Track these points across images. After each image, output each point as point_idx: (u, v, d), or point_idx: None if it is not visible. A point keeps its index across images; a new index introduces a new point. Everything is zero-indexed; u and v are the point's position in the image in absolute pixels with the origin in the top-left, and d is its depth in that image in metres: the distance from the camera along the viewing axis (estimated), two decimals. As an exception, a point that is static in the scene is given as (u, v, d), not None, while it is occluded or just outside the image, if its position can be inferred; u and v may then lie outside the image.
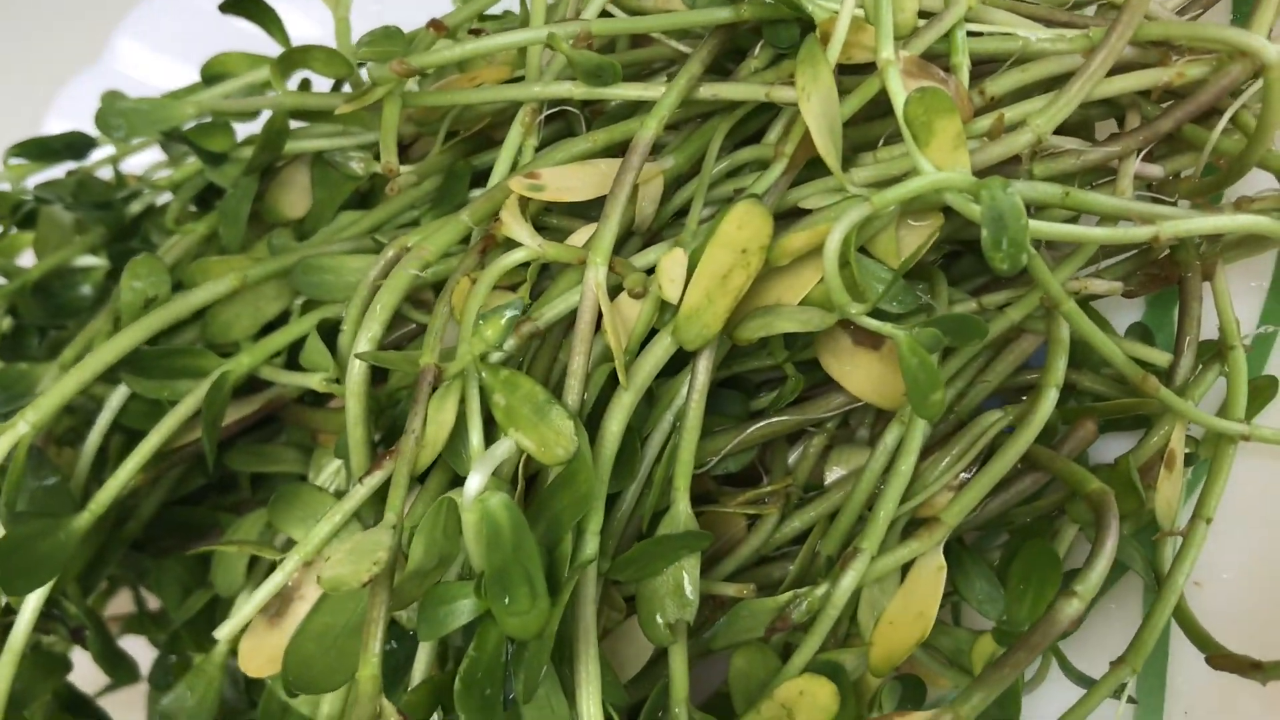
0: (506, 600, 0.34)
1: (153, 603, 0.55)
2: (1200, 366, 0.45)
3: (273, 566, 0.45)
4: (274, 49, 0.55)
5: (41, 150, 0.55)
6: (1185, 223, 0.41)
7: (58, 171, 0.57)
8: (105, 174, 0.57)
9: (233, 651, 0.46)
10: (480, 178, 0.50)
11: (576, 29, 0.42)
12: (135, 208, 0.55)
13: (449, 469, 0.40)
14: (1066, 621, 0.37)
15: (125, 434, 0.48)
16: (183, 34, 0.70)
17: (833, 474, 0.46)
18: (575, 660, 0.37)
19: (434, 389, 0.39)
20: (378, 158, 0.51)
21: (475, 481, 0.35)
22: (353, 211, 0.51)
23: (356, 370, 0.40)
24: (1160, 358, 0.45)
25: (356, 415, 0.41)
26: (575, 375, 0.39)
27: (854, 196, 0.40)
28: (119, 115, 0.52)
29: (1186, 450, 0.45)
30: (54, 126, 0.69)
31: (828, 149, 0.39)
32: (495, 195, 0.43)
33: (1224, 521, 0.45)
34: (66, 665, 0.48)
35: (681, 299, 0.38)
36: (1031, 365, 0.47)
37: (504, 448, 0.36)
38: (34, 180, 0.56)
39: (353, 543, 0.34)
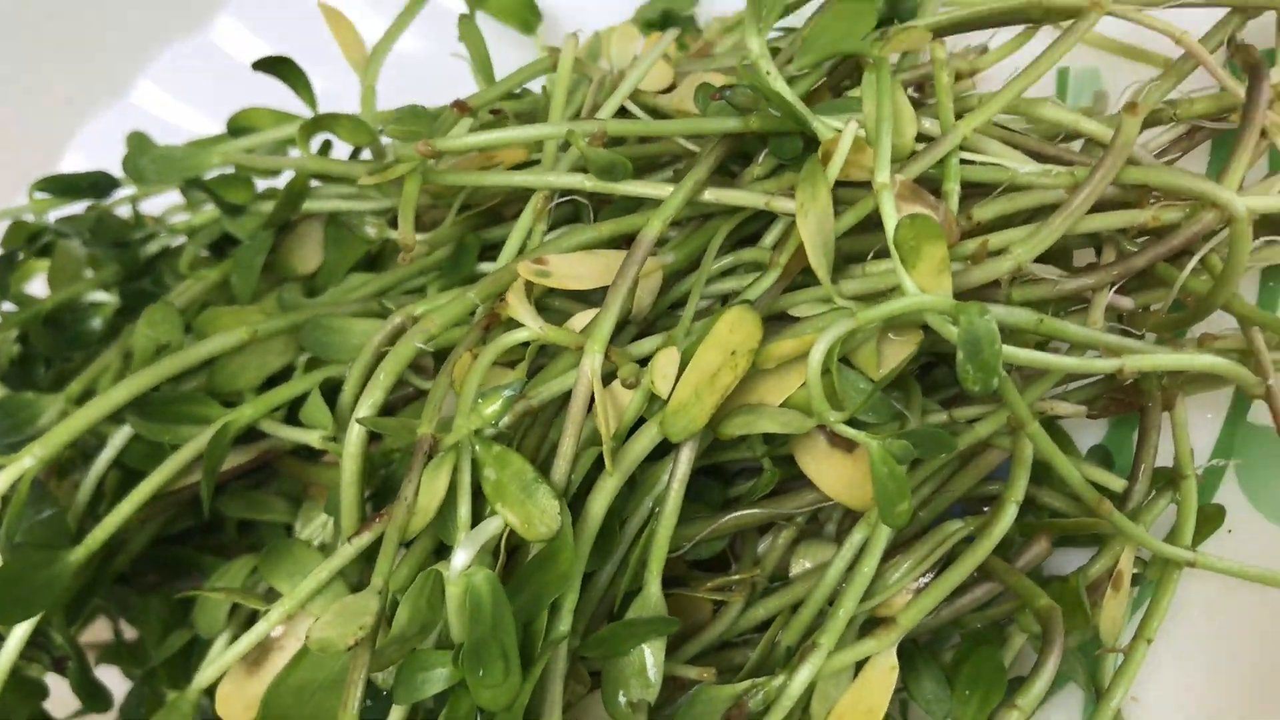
0: (481, 673, 0.36)
1: (129, 633, 0.56)
2: (1154, 493, 0.47)
3: (254, 613, 0.47)
4: (294, 100, 0.57)
5: (66, 186, 0.57)
6: (1150, 358, 0.43)
7: (78, 206, 0.59)
8: (123, 212, 0.59)
9: (206, 692, 0.48)
10: (488, 250, 0.52)
11: (594, 128, 0.45)
12: (151, 248, 0.57)
13: (433, 536, 0.42)
14: (1008, 729, 0.39)
15: (122, 471, 0.50)
16: (206, 80, 0.73)
17: (799, 567, 0.48)
18: (541, 731, 0.38)
19: (429, 458, 0.41)
20: (391, 224, 0.54)
21: (462, 557, 0.37)
22: (362, 274, 0.53)
23: (356, 434, 0.42)
24: (1116, 483, 0.47)
25: (352, 475, 0.42)
26: (564, 456, 0.41)
27: (841, 309, 0.42)
28: (145, 159, 0.54)
29: (1135, 570, 0.47)
30: (72, 161, 0.71)
31: (819, 263, 0.42)
32: (502, 276, 0.45)
33: (1166, 639, 0.47)
34: (43, 691, 0.49)
35: (671, 394, 0.41)
36: (995, 476, 0.49)
37: (492, 526, 0.38)
38: (55, 213, 0.58)
39: (340, 605, 0.35)
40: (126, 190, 0.59)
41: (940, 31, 0.49)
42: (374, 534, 0.41)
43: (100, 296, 0.56)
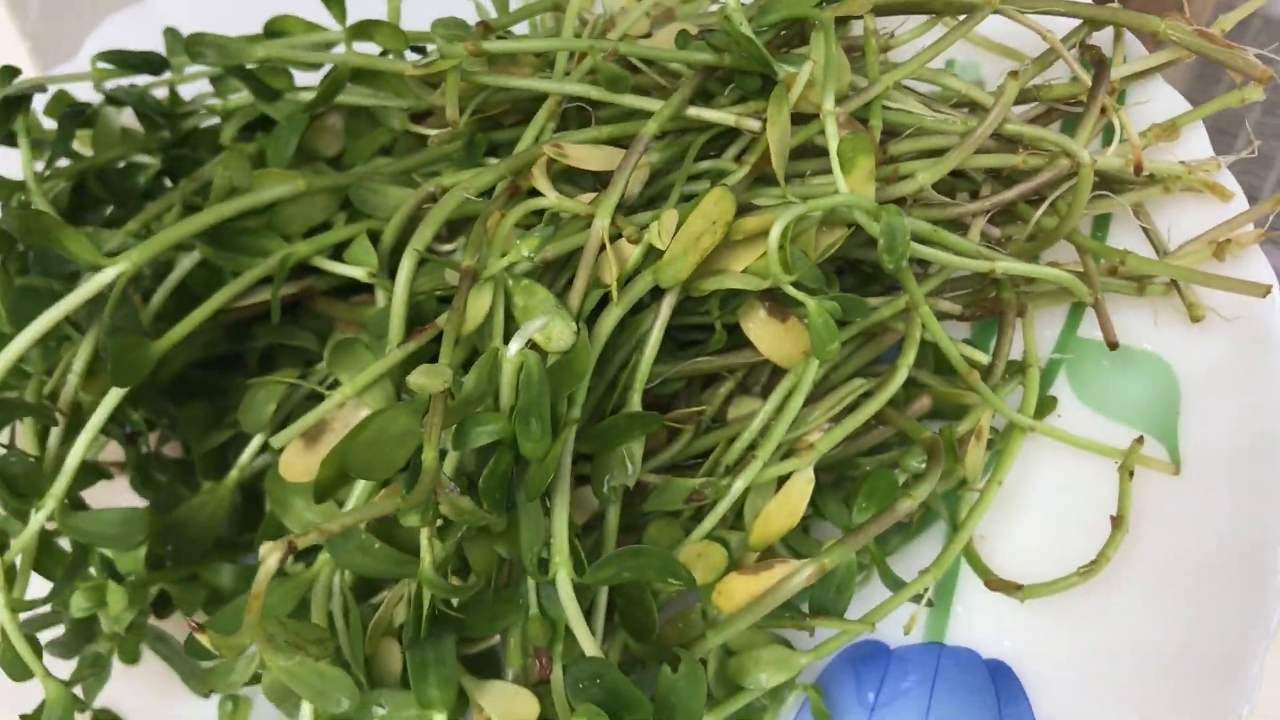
0: (527, 428, 0.47)
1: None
2: (1006, 376, 0.62)
3: (287, 416, 0.57)
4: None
5: (123, 60, 0.65)
6: (1014, 264, 0.57)
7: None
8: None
9: (240, 485, 0.58)
10: (491, 151, 0.63)
11: (608, 46, 0.57)
12: (188, 124, 0.66)
13: (469, 347, 0.52)
14: (903, 513, 0.52)
15: (177, 299, 0.58)
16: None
17: (734, 413, 0.60)
18: (554, 493, 0.50)
19: (471, 284, 0.52)
20: (413, 118, 0.64)
21: (516, 344, 0.48)
22: (384, 158, 0.63)
23: (410, 261, 0.53)
24: (982, 358, 0.61)
25: (402, 296, 0.53)
26: (578, 291, 0.52)
27: (792, 202, 0.55)
28: (203, 44, 0.63)
29: (990, 437, 0.61)
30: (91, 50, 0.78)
31: (780, 165, 0.54)
32: (525, 156, 0.56)
33: (1010, 500, 0.61)
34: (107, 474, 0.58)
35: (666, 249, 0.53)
36: (886, 360, 0.62)
37: (536, 324, 0.49)
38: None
39: (424, 367, 0.46)
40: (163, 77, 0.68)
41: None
42: (417, 342, 0.52)
43: (143, 159, 0.65)
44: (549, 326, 0.50)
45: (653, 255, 0.54)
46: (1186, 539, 0.58)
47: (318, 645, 0.40)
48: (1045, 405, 0.63)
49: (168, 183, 0.68)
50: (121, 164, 0.66)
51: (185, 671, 0.62)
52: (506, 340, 0.51)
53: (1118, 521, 0.57)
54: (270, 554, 0.36)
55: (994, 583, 0.58)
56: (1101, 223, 0.66)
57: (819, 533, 0.63)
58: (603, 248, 0.53)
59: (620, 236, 0.54)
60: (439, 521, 0.46)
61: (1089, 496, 0.61)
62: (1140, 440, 0.59)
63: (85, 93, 0.70)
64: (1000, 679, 0.58)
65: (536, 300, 0.51)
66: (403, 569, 0.48)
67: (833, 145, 0.54)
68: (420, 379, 0.45)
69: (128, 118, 0.68)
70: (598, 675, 0.47)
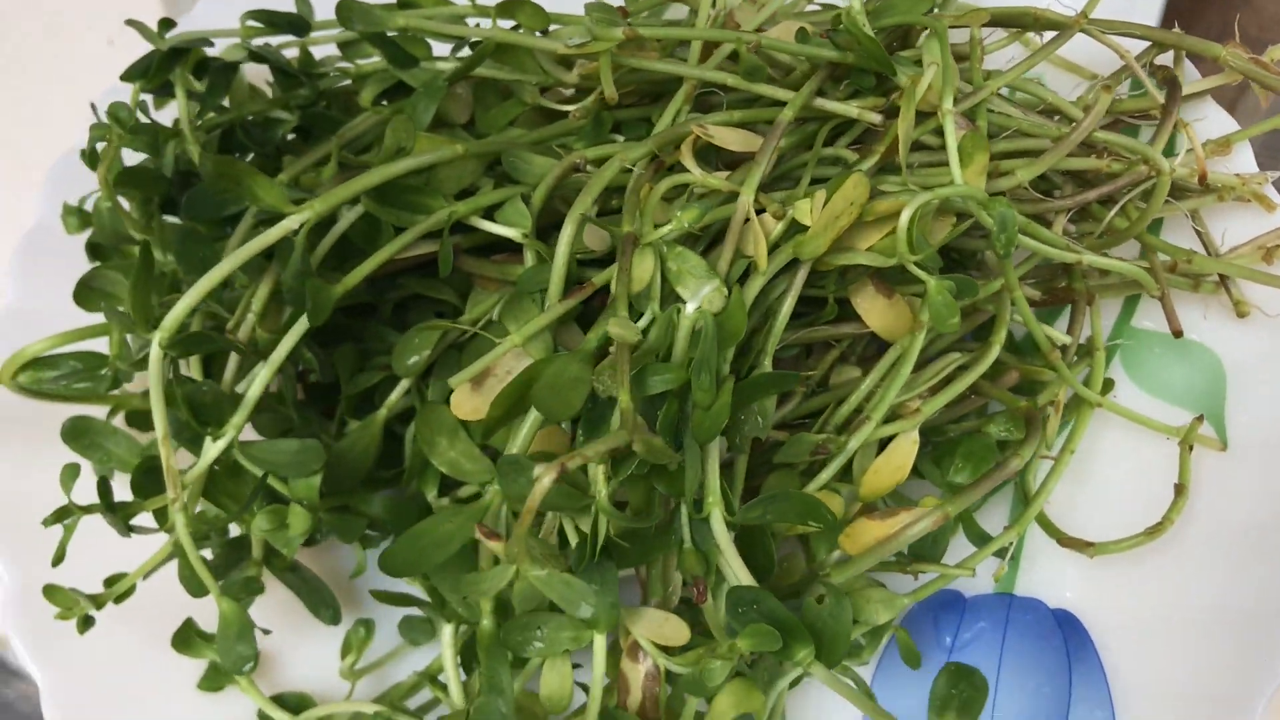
0: (700, 378, 0.52)
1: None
2: (1076, 357, 0.68)
3: (433, 362, 0.62)
4: None
5: (270, 20, 0.69)
6: (1094, 258, 0.64)
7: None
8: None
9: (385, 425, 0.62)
10: (615, 128, 0.68)
11: (752, 39, 0.62)
12: (325, 84, 0.70)
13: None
14: (1011, 470, 0.59)
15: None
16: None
17: (836, 379, 0.66)
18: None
19: (633, 248, 0.57)
20: (540, 91, 0.69)
21: (693, 304, 0.53)
22: (516, 129, 0.68)
23: (571, 226, 0.57)
24: (1062, 338, 0.67)
25: (564, 257, 0.57)
26: (724, 258, 0.58)
27: (916, 190, 0.60)
28: (350, 11, 0.66)
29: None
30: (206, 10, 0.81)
31: (905, 154, 0.60)
32: (671, 134, 0.61)
33: (1073, 477, 0.68)
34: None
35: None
36: (966, 340, 0.69)
37: (709, 287, 0.54)
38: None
39: (617, 319, 0.51)
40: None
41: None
42: (576, 300, 0.57)
43: (282, 114, 0.69)
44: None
45: (790, 231, 0.59)
46: (1229, 511, 0.65)
47: (554, 560, 0.45)
48: (1105, 386, 0.69)
49: (289, 137, 0.72)
50: (250, 117, 0.70)
51: (313, 601, 0.66)
52: (661, 301, 0.56)
53: (1179, 489, 0.64)
54: (546, 474, 0.41)
55: (1066, 540, 0.64)
56: (1154, 225, 0.73)
57: (905, 491, 0.69)
58: (745, 221, 0.58)
59: (762, 211, 0.59)
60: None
61: (1136, 468, 0.68)
62: (1200, 419, 0.65)
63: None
64: (1067, 627, 0.65)
65: (689, 265, 0.56)
66: (570, 502, 0.53)
67: (952, 141, 0.60)
68: (617, 330, 0.50)
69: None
70: (755, 602, 0.52)
